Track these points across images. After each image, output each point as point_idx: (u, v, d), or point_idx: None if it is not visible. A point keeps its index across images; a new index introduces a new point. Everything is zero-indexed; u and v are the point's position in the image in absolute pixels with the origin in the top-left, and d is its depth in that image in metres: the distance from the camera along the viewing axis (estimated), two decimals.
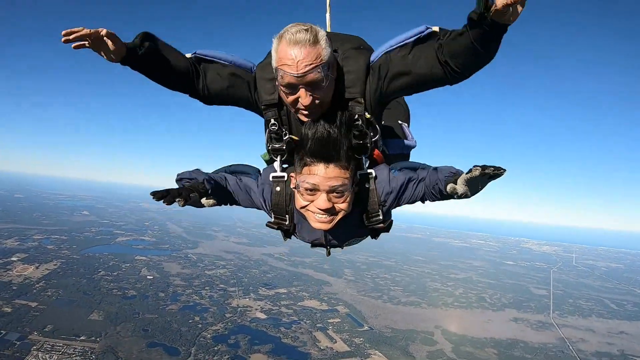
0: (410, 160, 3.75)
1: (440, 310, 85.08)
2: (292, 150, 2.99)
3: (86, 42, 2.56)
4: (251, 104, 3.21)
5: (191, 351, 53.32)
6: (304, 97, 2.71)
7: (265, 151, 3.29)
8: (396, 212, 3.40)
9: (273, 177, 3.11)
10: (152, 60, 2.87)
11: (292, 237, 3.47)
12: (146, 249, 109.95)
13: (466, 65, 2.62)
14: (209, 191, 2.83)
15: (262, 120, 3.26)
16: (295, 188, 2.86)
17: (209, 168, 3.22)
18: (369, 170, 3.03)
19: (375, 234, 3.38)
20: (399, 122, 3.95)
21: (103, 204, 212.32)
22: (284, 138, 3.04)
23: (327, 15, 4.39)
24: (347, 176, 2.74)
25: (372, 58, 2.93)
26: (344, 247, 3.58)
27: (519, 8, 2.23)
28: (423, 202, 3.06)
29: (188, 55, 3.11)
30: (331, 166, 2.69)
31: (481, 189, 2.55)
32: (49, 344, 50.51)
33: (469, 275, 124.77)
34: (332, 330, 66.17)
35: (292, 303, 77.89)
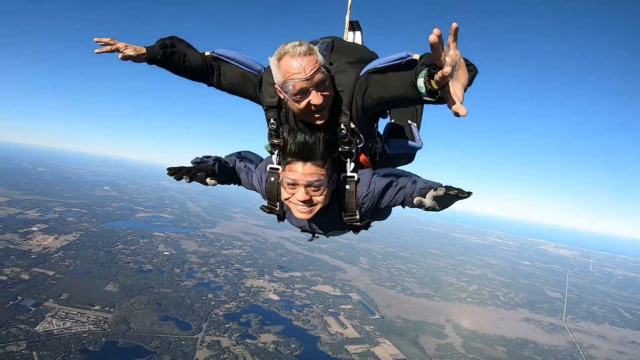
0: (409, 159, 4.20)
1: (453, 305, 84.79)
2: (282, 147, 3.25)
3: (108, 48, 3.19)
4: (256, 100, 3.59)
5: (202, 326, 53.92)
6: (316, 97, 2.96)
7: (267, 144, 3.63)
8: None
9: (270, 167, 3.48)
10: (170, 61, 3.38)
11: (285, 220, 3.82)
12: (165, 225, 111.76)
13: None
14: (215, 172, 3.28)
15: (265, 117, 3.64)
16: (280, 183, 3.24)
17: (226, 152, 3.86)
18: (351, 174, 3.32)
19: (355, 230, 3.68)
20: (409, 122, 4.20)
21: (125, 180, 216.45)
22: (281, 135, 3.38)
23: (347, 17, 4.68)
24: (322, 173, 3.06)
25: (360, 73, 3.14)
26: (328, 237, 3.93)
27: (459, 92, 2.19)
28: (403, 207, 3.38)
29: (207, 53, 3.59)
30: (308, 164, 3.02)
31: (449, 206, 2.83)
32: (63, 312, 51.61)
33: (484, 272, 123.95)
34: (343, 316, 66.31)
35: (306, 287, 78.23)
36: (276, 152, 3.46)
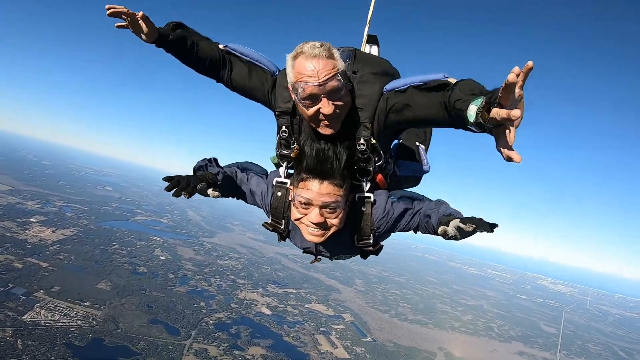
0: (416, 182, 3.98)
1: (446, 333, 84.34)
2: (295, 160, 3.04)
3: (125, 24, 2.90)
4: (267, 104, 3.31)
5: (191, 333, 53.60)
6: (326, 106, 2.74)
7: (275, 154, 3.37)
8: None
9: (277, 181, 3.21)
10: (182, 45, 3.09)
11: (287, 240, 3.59)
12: (163, 230, 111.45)
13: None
14: (218, 182, 2.93)
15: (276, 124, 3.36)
16: (291, 201, 2.97)
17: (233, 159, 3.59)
18: (368, 195, 3.10)
19: (364, 255, 3.44)
20: (417, 143, 3.99)
21: (127, 182, 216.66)
22: (292, 146, 3.13)
23: (366, 29, 4.55)
24: (340, 193, 2.81)
25: (387, 87, 2.96)
26: (333, 260, 3.68)
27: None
28: (415, 232, 3.16)
29: (221, 45, 3.27)
30: (325, 183, 2.77)
31: (470, 236, 2.54)
32: (52, 304, 51.53)
33: (480, 303, 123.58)
34: (334, 336, 65.81)
35: (299, 304, 77.77)
36: (284, 165, 3.22)
